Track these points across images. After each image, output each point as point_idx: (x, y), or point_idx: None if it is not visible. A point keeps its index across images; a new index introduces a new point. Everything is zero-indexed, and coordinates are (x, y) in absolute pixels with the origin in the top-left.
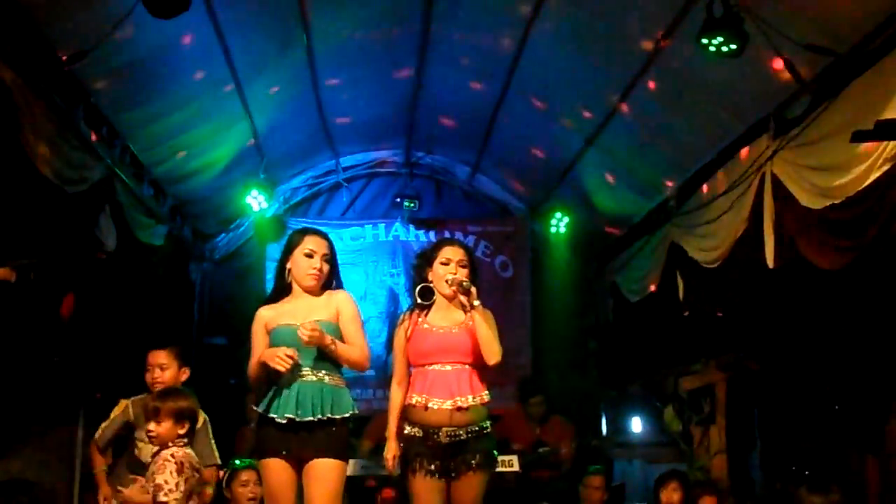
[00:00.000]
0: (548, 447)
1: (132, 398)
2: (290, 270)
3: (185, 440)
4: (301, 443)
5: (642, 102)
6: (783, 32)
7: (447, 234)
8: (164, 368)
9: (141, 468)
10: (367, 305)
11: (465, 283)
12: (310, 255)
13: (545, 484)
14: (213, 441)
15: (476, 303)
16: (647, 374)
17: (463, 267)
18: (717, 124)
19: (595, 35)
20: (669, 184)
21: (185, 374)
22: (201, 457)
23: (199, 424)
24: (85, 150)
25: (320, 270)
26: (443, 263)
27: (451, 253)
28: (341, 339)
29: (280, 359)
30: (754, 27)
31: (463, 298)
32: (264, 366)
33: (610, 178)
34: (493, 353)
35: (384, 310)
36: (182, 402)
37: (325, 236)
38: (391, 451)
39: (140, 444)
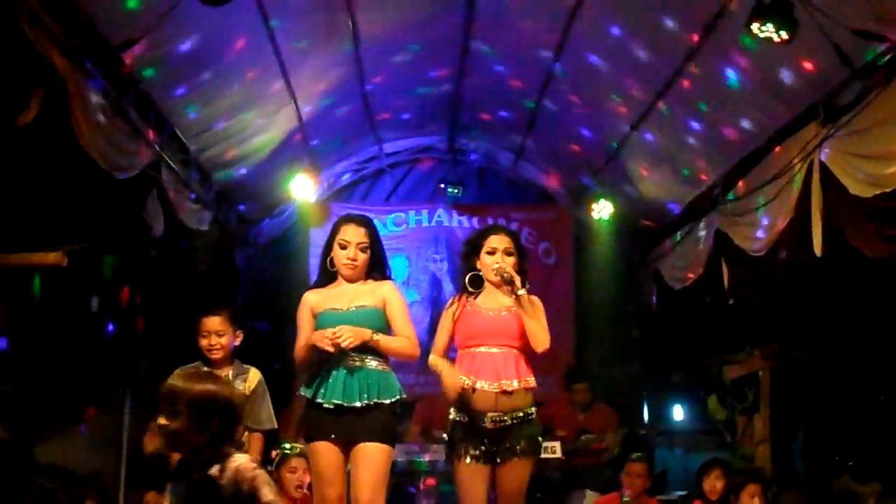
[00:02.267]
0: (591, 435)
1: (180, 368)
2: (332, 259)
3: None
4: (349, 427)
5: (688, 89)
6: (834, 18)
7: (490, 221)
8: (221, 334)
9: None
10: (410, 291)
11: (506, 275)
12: (343, 247)
13: (588, 471)
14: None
15: (521, 291)
16: (691, 362)
17: (509, 255)
18: (765, 111)
19: (640, 22)
20: (714, 171)
21: (239, 338)
22: (258, 419)
23: (255, 384)
24: (134, 136)
25: (355, 260)
26: (489, 253)
27: (497, 242)
28: (386, 325)
29: (328, 339)
30: (804, 12)
31: (507, 287)
32: (312, 348)
33: (654, 165)
34: (540, 341)
35: (427, 296)
36: (210, 386)
37: (363, 223)
38: (453, 376)
39: None
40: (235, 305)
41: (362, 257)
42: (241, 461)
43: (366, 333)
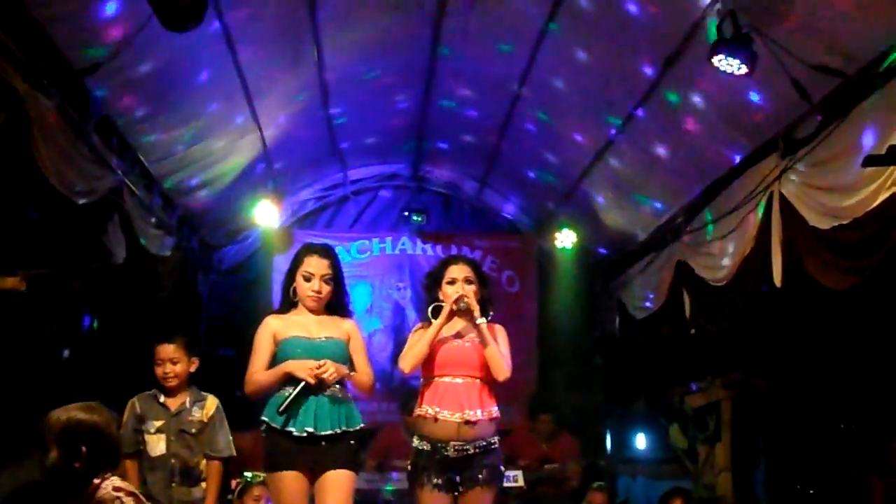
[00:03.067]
0: (554, 464)
1: (137, 395)
2: (294, 289)
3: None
4: (317, 455)
5: (650, 121)
6: (793, 53)
7: (454, 249)
8: (175, 362)
9: (150, 462)
10: (373, 319)
11: (461, 304)
12: (308, 279)
13: (550, 500)
14: (227, 430)
15: (480, 320)
16: (653, 391)
17: (469, 283)
18: (726, 143)
19: (603, 54)
20: (677, 201)
21: (194, 365)
22: (215, 447)
23: (213, 411)
24: (96, 161)
25: (319, 292)
26: (449, 283)
27: (457, 271)
28: (350, 359)
29: (312, 370)
30: (764, 47)
31: (467, 317)
32: (284, 377)
33: (617, 196)
34: (500, 369)
35: (390, 324)
36: (77, 414)
37: (326, 254)
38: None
39: (147, 437)
40: (197, 331)
41: (326, 289)
42: (106, 490)
43: (344, 371)
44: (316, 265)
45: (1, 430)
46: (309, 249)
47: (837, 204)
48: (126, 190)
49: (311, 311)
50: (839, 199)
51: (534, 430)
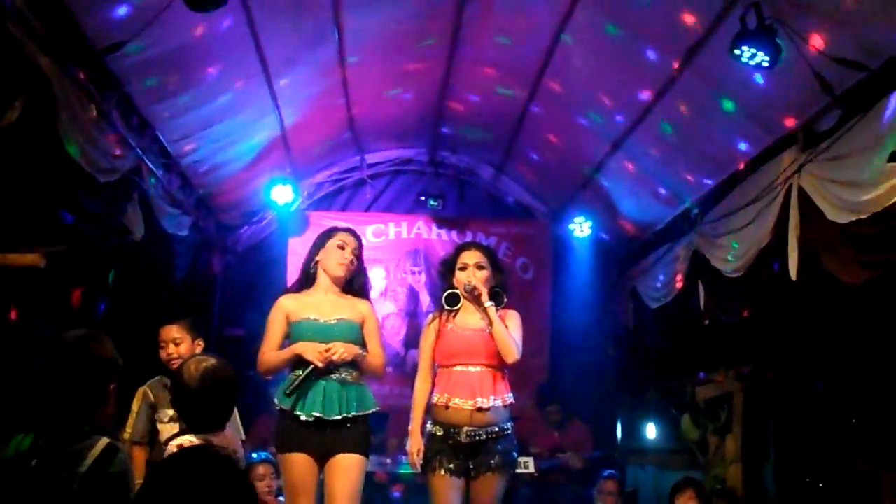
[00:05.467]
0: (566, 452)
1: (147, 383)
2: (318, 262)
3: None
4: (326, 439)
5: (670, 110)
6: (816, 46)
7: (469, 235)
8: (179, 343)
9: (162, 451)
10: (387, 303)
11: (467, 286)
12: (342, 247)
13: (560, 487)
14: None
15: (487, 304)
16: (664, 381)
17: (480, 269)
18: (745, 135)
19: (625, 42)
20: (694, 192)
21: (199, 347)
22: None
23: None
24: (117, 139)
25: (351, 262)
26: (461, 269)
27: (468, 257)
28: (363, 341)
29: (321, 354)
30: (787, 39)
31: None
32: (293, 359)
33: (634, 184)
34: (509, 351)
35: (404, 307)
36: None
37: (357, 235)
38: (414, 445)
39: (160, 426)
40: (211, 312)
41: (356, 262)
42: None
43: (356, 351)
44: (350, 239)
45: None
46: (342, 228)
47: (856, 198)
48: (145, 169)
49: (335, 281)
50: (858, 194)
51: (545, 420)
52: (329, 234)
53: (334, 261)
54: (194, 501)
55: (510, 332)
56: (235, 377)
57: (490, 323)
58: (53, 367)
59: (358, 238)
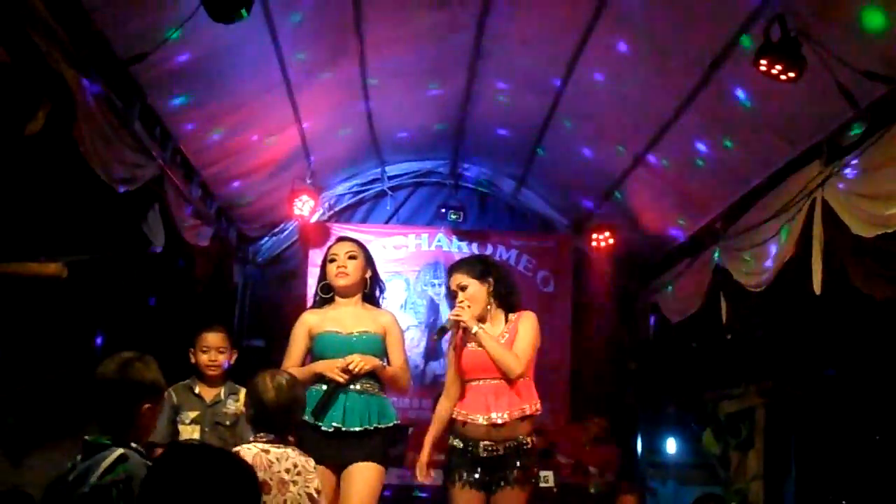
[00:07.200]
0: (588, 470)
1: (172, 386)
2: (325, 286)
3: None
4: (344, 450)
5: (693, 123)
6: (840, 58)
7: (489, 247)
8: (222, 351)
9: None
10: (407, 315)
11: (446, 325)
12: (333, 260)
13: (580, 500)
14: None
15: (474, 329)
16: (686, 396)
17: (463, 289)
18: (769, 148)
19: (646, 56)
20: (716, 205)
21: (234, 356)
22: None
23: None
24: (138, 149)
25: (345, 268)
26: (452, 296)
27: (453, 282)
28: (385, 353)
29: (339, 369)
30: (812, 52)
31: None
32: (316, 376)
33: (656, 198)
34: (506, 369)
35: (424, 320)
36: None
37: (348, 240)
38: (423, 456)
39: (181, 428)
40: (231, 323)
41: (352, 264)
42: None
43: (376, 362)
44: (337, 248)
45: (35, 414)
46: (335, 240)
47: (881, 212)
48: (167, 179)
49: (343, 290)
50: (883, 208)
51: (584, 428)
52: (325, 253)
53: (331, 275)
54: (191, 497)
55: (519, 336)
56: (302, 389)
57: (482, 345)
58: (86, 387)
59: (353, 241)
